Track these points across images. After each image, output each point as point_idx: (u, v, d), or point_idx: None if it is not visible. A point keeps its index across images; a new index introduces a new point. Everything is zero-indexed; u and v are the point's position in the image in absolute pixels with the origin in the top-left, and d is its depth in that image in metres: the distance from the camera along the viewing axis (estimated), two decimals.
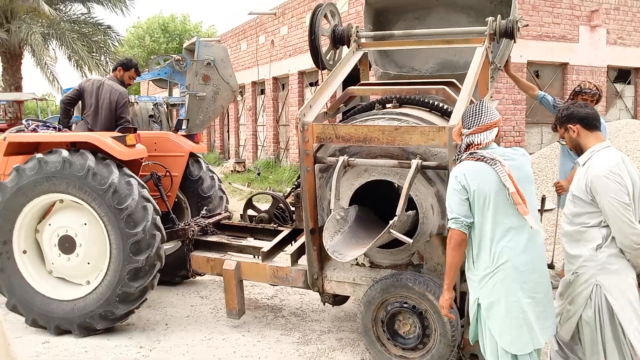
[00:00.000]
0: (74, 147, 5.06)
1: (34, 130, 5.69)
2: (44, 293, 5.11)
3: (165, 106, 8.09)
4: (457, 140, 3.43)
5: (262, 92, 19.61)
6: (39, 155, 4.97)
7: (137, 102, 10.09)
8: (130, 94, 26.06)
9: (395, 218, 3.78)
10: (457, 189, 3.10)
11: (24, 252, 5.20)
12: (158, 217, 4.94)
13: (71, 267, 5.10)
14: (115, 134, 5.18)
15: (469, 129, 3.23)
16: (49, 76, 19.94)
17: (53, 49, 20.26)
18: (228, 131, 23.50)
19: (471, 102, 4.42)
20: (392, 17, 6.09)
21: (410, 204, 4.10)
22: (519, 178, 3.11)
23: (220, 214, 5.96)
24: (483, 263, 3.13)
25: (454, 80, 4.64)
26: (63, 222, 5.07)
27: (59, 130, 5.78)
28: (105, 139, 4.97)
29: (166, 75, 8.33)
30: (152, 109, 8.48)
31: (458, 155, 3.31)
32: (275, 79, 18.14)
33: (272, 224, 5.53)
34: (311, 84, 15.95)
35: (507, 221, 3.08)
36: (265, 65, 18.36)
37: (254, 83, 19.85)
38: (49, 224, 5.14)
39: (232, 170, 18.41)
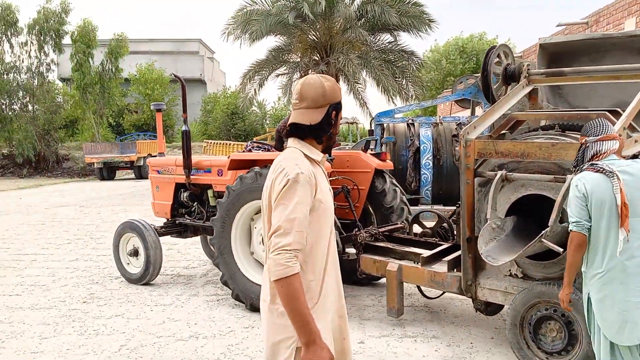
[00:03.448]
0: None
1: (249, 150, 6.60)
2: (245, 274, 5.87)
3: None
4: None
5: None
6: (256, 168, 5.73)
7: (441, 123, 10.66)
8: (428, 115, 25.81)
9: (548, 228, 3.75)
10: (579, 196, 3.16)
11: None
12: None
13: (263, 256, 5.74)
14: None
15: (596, 136, 3.25)
16: (360, 101, 21.48)
17: (363, 78, 21.44)
18: None
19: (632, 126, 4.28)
20: (567, 61, 5.97)
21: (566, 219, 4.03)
22: (636, 188, 3.10)
23: (396, 224, 6.20)
24: (594, 264, 3.17)
25: (618, 109, 4.48)
26: None
27: (268, 150, 6.59)
28: None
29: (470, 95, 8.55)
30: (456, 128, 8.85)
31: (578, 164, 3.34)
32: None
33: (434, 239, 5.66)
34: None
35: (618, 229, 3.08)
36: None
37: None
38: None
39: None
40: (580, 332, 3.89)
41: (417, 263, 5.04)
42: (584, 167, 3.25)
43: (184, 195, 7.19)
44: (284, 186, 2.21)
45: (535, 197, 4.28)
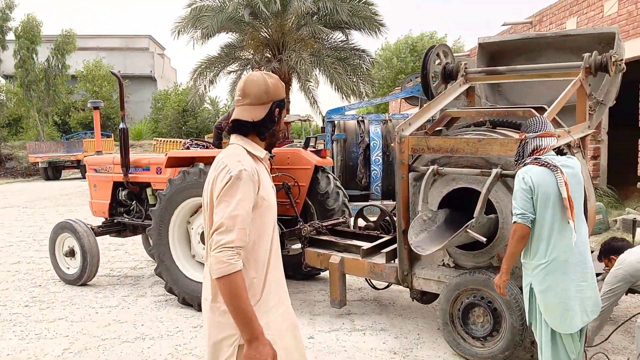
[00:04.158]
0: None
1: (187, 148, 6.75)
2: (189, 276, 6.00)
3: None
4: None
5: None
6: (184, 168, 5.87)
7: (390, 120, 10.93)
8: (381, 112, 25.64)
9: (473, 219, 4.07)
10: (525, 189, 3.34)
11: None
12: None
13: (204, 255, 5.90)
14: None
15: (535, 132, 3.52)
16: (310, 99, 21.78)
17: (316, 75, 21.50)
18: None
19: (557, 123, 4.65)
20: (505, 59, 6.34)
21: (493, 211, 4.38)
22: (574, 183, 3.38)
23: (337, 219, 6.45)
24: (537, 254, 3.37)
25: (544, 106, 4.85)
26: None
27: (207, 148, 6.76)
28: None
29: (419, 93, 8.83)
30: None
31: (520, 159, 3.57)
32: None
33: (376, 232, 5.97)
34: None
35: (562, 221, 3.32)
36: None
37: None
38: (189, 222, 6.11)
39: None
40: (502, 308, 4.23)
41: (359, 255, 5.32)
42: (527, 161, 3.46)
43: (122, 194, 7.25)
44: (227, 183, 2.22)
45: (467, 190, 4.61)
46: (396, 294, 6.35)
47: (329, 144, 11.10)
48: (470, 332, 4.48)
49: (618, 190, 11.54)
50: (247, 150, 2.38)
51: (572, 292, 3.31)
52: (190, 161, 6.13)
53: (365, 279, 5.96)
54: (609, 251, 4.46)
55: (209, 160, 5.85)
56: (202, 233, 5.96)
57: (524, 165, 3.46)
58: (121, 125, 7.07)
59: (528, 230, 3.35)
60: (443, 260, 4.68)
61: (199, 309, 5.84)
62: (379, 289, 6.08)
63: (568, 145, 4.55)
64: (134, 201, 7.24)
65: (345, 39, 21.21)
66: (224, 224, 2.17)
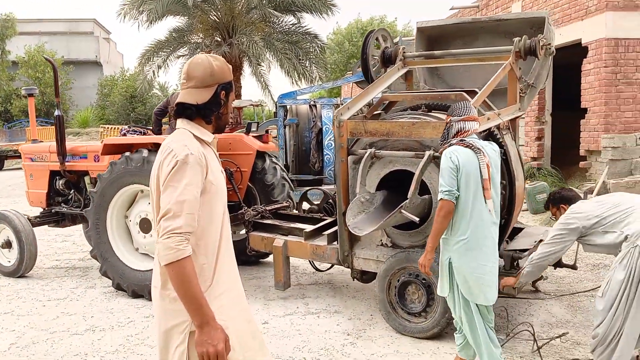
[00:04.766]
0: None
1: (124, 135, 6.77)
2: (134, 267, 6.03)
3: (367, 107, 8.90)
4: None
5: None
6: (112, 160, 5.93)
7: (341, 104, 11.00)
8: (334, 96, 25.97)
9: (407, 200, 4.30)
10: (451, 167, 3.57)
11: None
12: None
13: (147, 244, 6.02)
14: None
15: (459, 116, 3.77)
16: (262, 84, 21.70)
17: (268, 59, 21.42)
18: None
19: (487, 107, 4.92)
20: (443, 43, 6.60)
21: (428, 192, 4.62)
22: (492, 166, 3.65)
23: (281, 203, 6.62)
24: (459, 231, 3.63)
25: (476, 89, 5.11)
26: (143, 207, 6.02)
27: (144, 134, 6.80)
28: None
29: None
30: None
31: (445, 140, 3.82)
32: None
33: (319, 214, 6.18)
34: None
35: (481, 200, 3.60)
36: None
37: None
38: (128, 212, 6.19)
39: None
40: (429, 279, 4.51)
41: (302, 238, 5.51)
42: (453, 142, 3.69)
43: (60, 183, 7.18)
44: (173, 168, 2.20)
45: (404, 172, 4.84)
46: (349, 277, 6.50)
47: (281, 129, 11.19)
48: (411, 311, 4.72)
49: (561, 169, 12.06)
50: (193, 134, 2.36)
51: (488, 267, 3.61)
52: (127, 148, 6.10)
53: (309, 261, 6.14)
54: (560, 200, 4.41)
55: (144, 147, 5.91)
56: (140, 223, 6.02)
57: (450, 145, 3.70)
58: (56, 112, 6.93)
59: (453, 206, 3.58)
60: (381, 240, 4.91)
61: (150, 298, 5.89)
62: (322, 271, 6.28)
63: (497, 127, 4.81)
64: (72, 190, 7.17)
65: (296, 22, 21.25)
66: (171, 210, 2.16)
